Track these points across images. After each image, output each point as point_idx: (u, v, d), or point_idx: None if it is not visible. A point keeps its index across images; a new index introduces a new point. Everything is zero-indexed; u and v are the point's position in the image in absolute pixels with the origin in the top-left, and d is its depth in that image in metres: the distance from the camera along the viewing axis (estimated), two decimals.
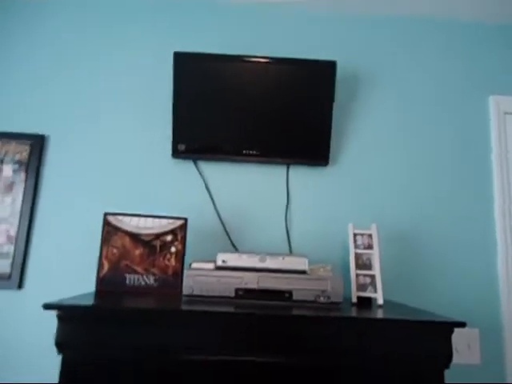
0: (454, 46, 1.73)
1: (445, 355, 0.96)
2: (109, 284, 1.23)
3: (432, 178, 1.61)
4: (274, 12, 1.71)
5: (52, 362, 1.28)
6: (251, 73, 1.55)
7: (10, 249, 1.46)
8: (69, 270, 1.47)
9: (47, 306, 0.91)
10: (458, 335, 1.40)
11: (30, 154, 1.54)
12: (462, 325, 0.96)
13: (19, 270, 1.45)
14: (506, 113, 1.67)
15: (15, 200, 1.51)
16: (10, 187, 1.51)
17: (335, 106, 1.56)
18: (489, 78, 1.71)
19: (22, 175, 1.53)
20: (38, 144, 1.55)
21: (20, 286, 1.45)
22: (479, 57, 1.73)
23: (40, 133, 1.57)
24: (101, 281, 1.24)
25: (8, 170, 1.53)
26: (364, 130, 1.64)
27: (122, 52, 1.66)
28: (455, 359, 1.39)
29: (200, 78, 1.53)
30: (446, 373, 0.97)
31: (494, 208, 1.59)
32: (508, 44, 1.74)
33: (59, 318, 0.93)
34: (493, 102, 1.68)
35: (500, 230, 1.56)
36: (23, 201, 1.50)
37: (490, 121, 1.66)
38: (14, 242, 1.47)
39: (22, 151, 1.55)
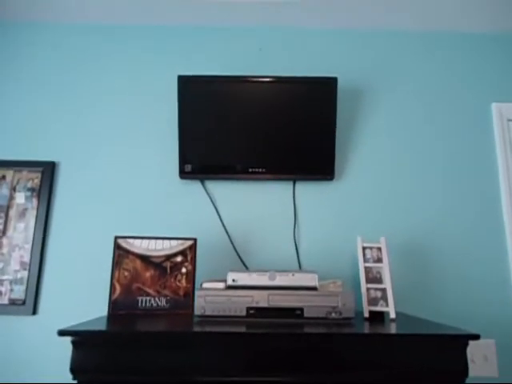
0: (455, 56, 1.75)
1: (460, 369, 0.94)
2: (121, 307, 1.24)
3: (439, 188, 1.61)
4: (273, 32, 1.75)
5: None
6: (254, 93, 1.58)
7: (23, 275, 1.49)
8: (82, 293, 1.49)
9: (62, 333, 0.93)
10: (474, 347, 1.39)
11: (42, 180, 1.58)
12: (476, 337, 0.94)
13: (33, 296, 1.47)
14: (509, 120, 1.67)
15: (28, 226, 1.54)
16: (22, 214, 1.55)
17: (338, 120, 1.58)
18: (490, 86, 1.72)
19: (34, 202, 1.56)
20: (48, 171, 1.59)
21: (34, 311, 1.46)
22: (480, 65, 1.74)
23: (50, 160, 1.61)
24: (113, 304, 1.25)
25: (20, 197, 1.57)
26: (368, 143, 1.65)
27: (126, 77, 1.70)
28: (473, 372, 1.37)
29: (204, 100, 1.56)
30: None
31: (503, 215, 1.57)
32: (508, 52, 1.75)
33: (74, 343, 0.94)
34: (495, 109, 1.68)
35: (510, 237, 1.54)
36: (35, 227, 1.54)
37: (494, 128, 1.66)
38: (27, 267, 1.49)
39: (34, 178, 1.59)
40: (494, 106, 1.69)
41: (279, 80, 1.58)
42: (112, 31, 1.75)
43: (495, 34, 1.77)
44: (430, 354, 0.96)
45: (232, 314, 1.12)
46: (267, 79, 1.58)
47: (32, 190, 1.57)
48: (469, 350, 0.96)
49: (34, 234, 1.53)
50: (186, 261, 1.31)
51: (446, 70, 1.74)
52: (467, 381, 0.95)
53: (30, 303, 1.46)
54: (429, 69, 1.74)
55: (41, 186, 1.57)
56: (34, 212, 1.55)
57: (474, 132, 1.67)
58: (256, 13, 1.69)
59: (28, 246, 1.52)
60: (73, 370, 0.93)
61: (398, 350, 0.96)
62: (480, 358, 1.42)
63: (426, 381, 0.95)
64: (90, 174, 1.61)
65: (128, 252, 1.29)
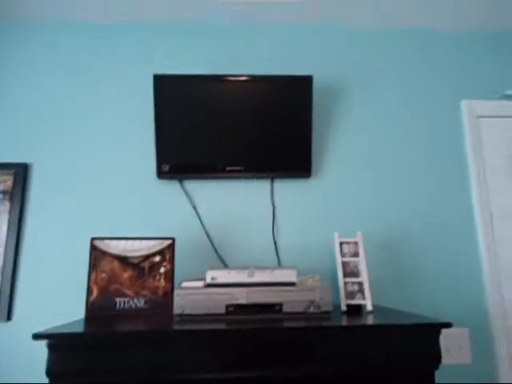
0: (425, 54, 1.80)
1: (434, 356, 0.97)
2: (99, 309, 1.23)
3: (412, 184, 1.65)
4: (249, 31, 1.76)
5: None
6: (230, 91, 1.58)
7: None
8: (58, 297, 1.46)
9: (36, 336, 0.91)
10: (448, 336, 1.44)
11: (14, 182, 1.54)
12: (448, 325, 0.98)
13: (7, 301, 1.43)
14: (478, 116, 1.73)
15: (0, 230, 1.50)
16: None
17: (315, 118, 1.60)
18: (460, 83, 1.77)
19: (7, 204, 1.52)
20: (21, 172, 1.55)
21: (9, 317, 1.42)
22: (450, 63, 1.80)
23: (23, 161, 1.57)
24: (90, 306, 1.23)
25: None
26: (344, 141, 1.68)
27: (100, 76, 1.68)
28: (447, 360, 1.43)
29: (180, 99, 1.55)
30: (439, 373, 0.99)
31: (473, 210, 1.63)
32: (477, 49, 1.81)
33: (49, 346, 0.93)
34: (465, 106, 1.73)
35: (481, 232, 1.59)
36: (8, 230, 1.49)
37: (464, 125, 1.72)
38: (0, 272, 1.45)
39: (6, 180, 1.54)
40: (463, 103, 1.74)
41: (255, 79, 1.59)
42: (84, 28, 1.72)
43: (464, 32, 1.83)
44: (405, 342, 0.99)
45: (212, 311, 1.12)
46: (243, 78, 1.58)
47: (4, 192, 1.53)
48: (444, 340, 1.00)
49: (6, 238, 1.49)
50: (165, 260, 1.30)
51: (416, 69, 1.78)
52: (442, 368, 0.98)
53: (4, 309, 1.42)
54: (401, 67, 1.78)
55: (13, 188, 1.53)
56: (7, 215, 1.51)
57: (446, 129, 1.72)
58: (232, 11, 1.70)
59: (1, 250, 1.48)
60: (49, 373, 0.91)
61: (374, 341, 0.99)
62: (455, 347, 1.46)
63: (403, 368, 0.98)
64: (64, 175, 1.58)
65: (105, 253, 1.28)
